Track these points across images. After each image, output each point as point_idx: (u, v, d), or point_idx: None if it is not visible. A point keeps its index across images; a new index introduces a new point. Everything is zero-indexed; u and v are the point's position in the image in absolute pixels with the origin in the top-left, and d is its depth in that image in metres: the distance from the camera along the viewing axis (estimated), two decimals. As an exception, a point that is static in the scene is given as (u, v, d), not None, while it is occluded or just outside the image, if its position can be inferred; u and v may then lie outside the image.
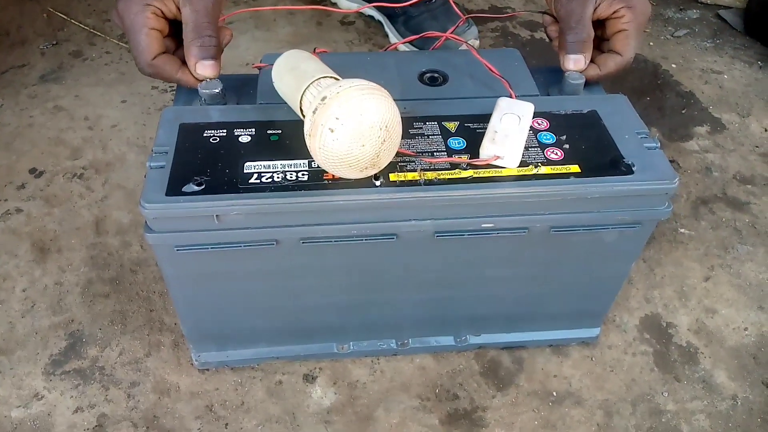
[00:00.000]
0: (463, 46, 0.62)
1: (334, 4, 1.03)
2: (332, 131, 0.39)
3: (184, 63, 0.48)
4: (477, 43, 0.89)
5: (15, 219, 0.68)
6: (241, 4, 1.03)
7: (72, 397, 0.54)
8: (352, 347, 0.57)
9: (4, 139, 0.77)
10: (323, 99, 0.39)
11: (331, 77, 0.43)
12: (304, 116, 0.44)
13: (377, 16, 0.99)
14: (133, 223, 0.68)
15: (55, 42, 0.93)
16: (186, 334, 0.54)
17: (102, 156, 0.75)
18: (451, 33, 0.56)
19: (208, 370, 0.56)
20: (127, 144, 0.77)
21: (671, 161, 0.48)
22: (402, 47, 0.93)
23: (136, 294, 0.62)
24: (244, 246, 0.45)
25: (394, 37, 0.94)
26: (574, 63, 0.51)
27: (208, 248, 0.44)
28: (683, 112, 0.84)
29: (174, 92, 0.83)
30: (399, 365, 0.57)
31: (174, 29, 0.50)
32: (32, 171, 0.73)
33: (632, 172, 0.45)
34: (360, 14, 1.01)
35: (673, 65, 0.93)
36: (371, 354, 0.57)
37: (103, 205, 0.70)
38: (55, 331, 0.59)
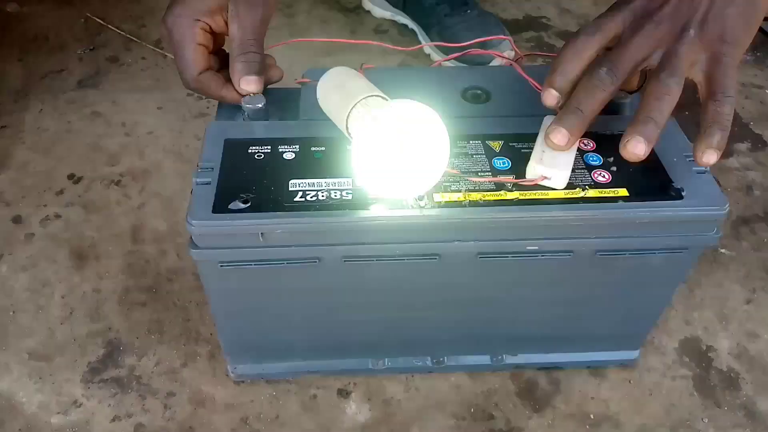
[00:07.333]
0: (504, 62, 0.62)
1: (368, 12, 1.03)
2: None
3: (227, 81, 0.48)
4: (512, 54, 0.88)
5: (54, 225, 0.69)
6: (277, 12, 1.03)
7: (110, 405, 0.54)
8: (387, 363, 0.56)
9: (44, 145, 0.78)
10: (372, 119, 0.39)
11: (379, 96, 0.43)
12: (350, 135, 0.44)
13: (411, 24, 0.98)
14: (169, 232, 0.68)
15: (92, 47, 0.94)
16: (223, 346, 0.54)
17: (139, 163, 0.76)
18: (487, 44, 0.54)
19: (243, 382, 0.56)
20: (163, 151, 0.78)
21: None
22: (434, 55, 0.93)
23: (173, 303, 0.62)
24: (287, 263, 0.44)
25: (428, 48, 0.94)
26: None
27: (251, 265, 0.44)
28: (723, 127, 0.83)
29: (208, 101, 0.84)
30: (434, 383, 0.57)
31: (217, 46, 0.50)
32: (71, 177, 0.74)
33: (681, 198, 0.44)
34: (393, 22, 1.01)
35: (713, 79, 0.91)
36: (406, 371, 0.57)
37: (140, 213, 0.70)
38: (93, 338, 0.59)
